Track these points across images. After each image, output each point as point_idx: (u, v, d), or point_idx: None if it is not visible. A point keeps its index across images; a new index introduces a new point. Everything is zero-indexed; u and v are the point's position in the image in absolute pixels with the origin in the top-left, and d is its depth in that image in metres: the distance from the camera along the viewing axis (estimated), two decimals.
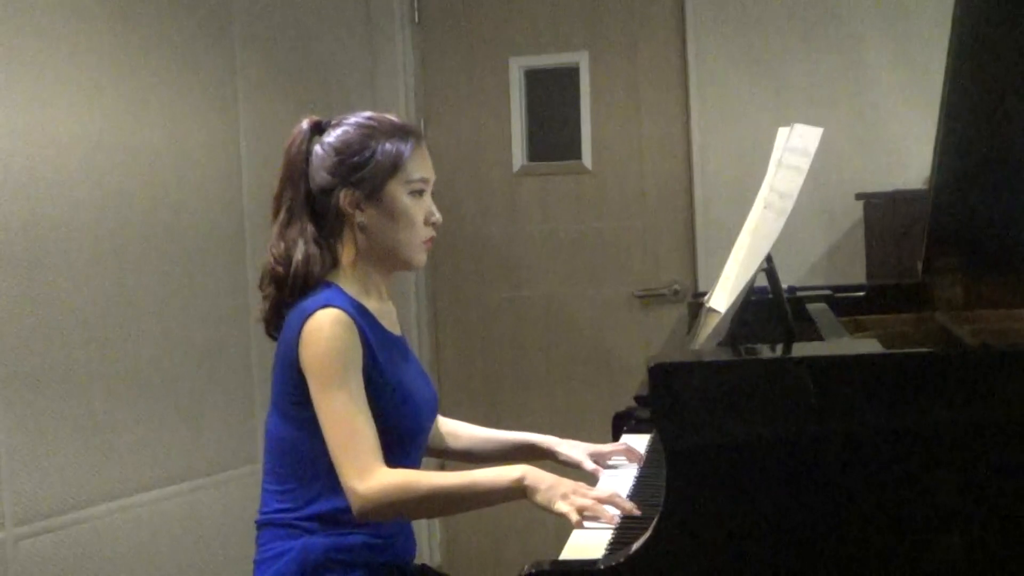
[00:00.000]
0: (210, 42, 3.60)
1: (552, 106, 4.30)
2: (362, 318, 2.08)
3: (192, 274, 3.49)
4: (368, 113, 2.19)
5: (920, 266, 2.62)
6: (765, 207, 2.07)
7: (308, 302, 2.07)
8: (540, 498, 1.95)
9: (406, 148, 2.13)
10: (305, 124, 2.19)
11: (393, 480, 1.98)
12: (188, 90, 3.51)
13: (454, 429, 2.46)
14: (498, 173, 4.28)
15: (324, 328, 2.02)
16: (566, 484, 1.96)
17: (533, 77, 4.30)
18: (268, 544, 2.13)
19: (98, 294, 3.19)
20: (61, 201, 3.09)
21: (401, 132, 2.15)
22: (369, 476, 1.97)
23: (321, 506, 2.09)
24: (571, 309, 4.26)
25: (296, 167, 2.16)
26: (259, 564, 2.13)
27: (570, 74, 4.24)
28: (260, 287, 2.19)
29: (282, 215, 2.15)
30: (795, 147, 2.00)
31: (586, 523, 1.92)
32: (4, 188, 2.96)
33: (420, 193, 2.15)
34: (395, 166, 2.12)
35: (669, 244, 4.17)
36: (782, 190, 1.97)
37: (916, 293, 2.72)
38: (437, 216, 2.18)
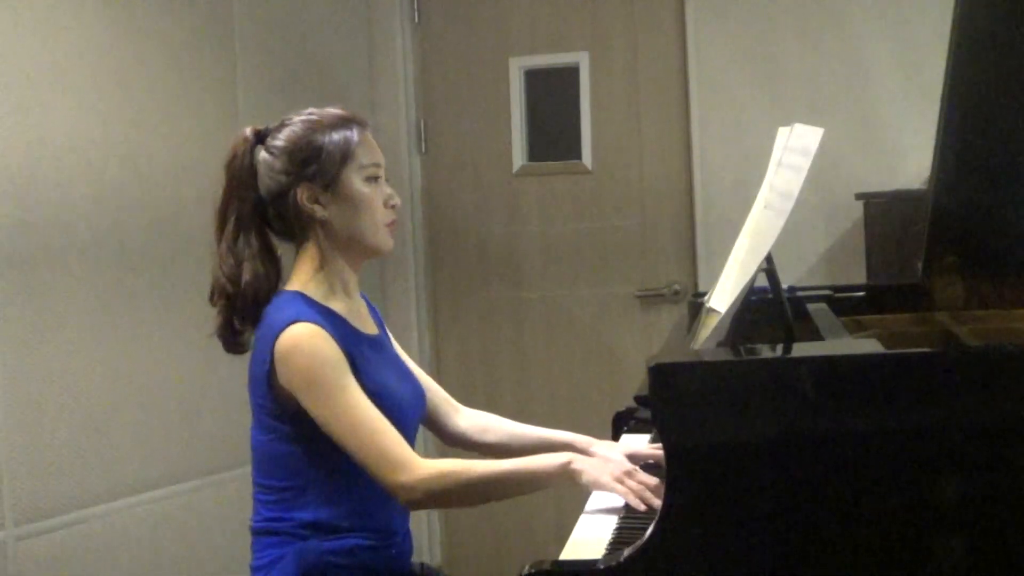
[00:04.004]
0: (210, 42, 3.59)
1: (552, 106, 4.30)
2: (332, 326, 2.06)
3: (190, 274, 3.48)
4: (309, 109, 2.19)
5: (920, 266, 2.61)
6: (765, 207, 2.07)
7: (274, 318, 2.05)
8: (587, 478, 2.01)
9: (353, 135, 2.14)
10: (248, 132, 2.18)
11: (437, 467, 2.00)
12: (188, 90, 3.50)
13: (487, 423, 2.43)
14: (498, 173, 4.28)
15: (302, 344, 2.00)
16: (613, 465, 2.04)
17: (533, 77, 4.30)
18: (263, 551, 2.12)
19: (96, 294, 3.19)
20: (59, 200, 3.09)
21: (345, 121, 2.15)
22: (409, 467, 1.98)
23: (311, 514, 2.08)
24: (571, 309, 4.26)
25: (241, 177, 2.14)
26: (256, 570, 2.13)
27: (570, 74, 4.24)
28: (211, 301, 2.16)
29: (229, 228, 2.13)
30: (795, 147, 2.00)
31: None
32: (2, 188, 2.95)
33: (376, 179, 2.15)
34: (346, 154, 2.12)
35: (669, 244, 4.17)
36: (782, 190, 1.97)
37: (916, 293, 2.71)
38: (396, 199, 2.18)
